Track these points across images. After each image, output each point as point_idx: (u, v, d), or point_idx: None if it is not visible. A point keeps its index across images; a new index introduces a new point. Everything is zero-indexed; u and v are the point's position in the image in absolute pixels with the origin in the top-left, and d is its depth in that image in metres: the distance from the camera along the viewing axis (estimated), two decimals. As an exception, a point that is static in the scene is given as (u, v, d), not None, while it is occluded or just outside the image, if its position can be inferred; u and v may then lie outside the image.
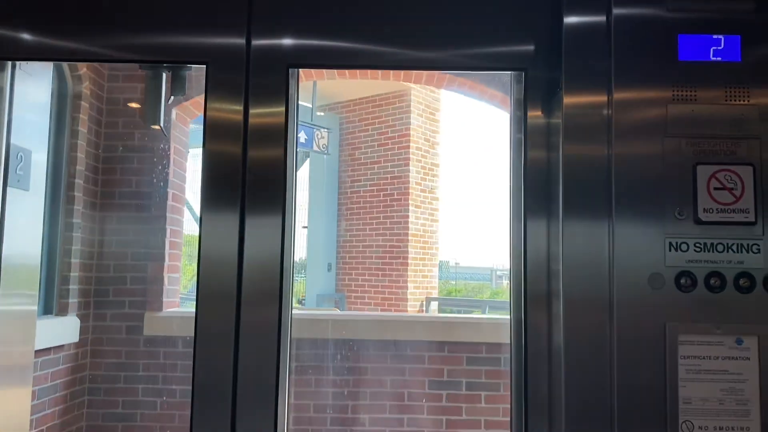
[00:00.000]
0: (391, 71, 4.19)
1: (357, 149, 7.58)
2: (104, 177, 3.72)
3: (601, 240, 1.18)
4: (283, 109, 1.31)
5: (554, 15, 1.29)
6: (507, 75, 1.44)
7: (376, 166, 7.40)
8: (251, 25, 1.34)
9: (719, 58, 1.19)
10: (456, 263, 10.30)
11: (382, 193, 7.32)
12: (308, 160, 7.58)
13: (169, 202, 3.77)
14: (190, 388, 1.27)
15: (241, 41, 1.34)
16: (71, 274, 3.41)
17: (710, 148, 1.18)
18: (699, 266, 1.16)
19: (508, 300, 1.38)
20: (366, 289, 7.35)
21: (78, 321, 3.47)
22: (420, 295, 7.21)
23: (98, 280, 3.69)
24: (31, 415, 2.48)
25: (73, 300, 3.44)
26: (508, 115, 1.42)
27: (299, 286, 7.67)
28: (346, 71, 4.20)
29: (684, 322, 1.15)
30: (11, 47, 1.35)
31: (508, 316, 1.38)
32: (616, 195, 1.17)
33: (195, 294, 1.29)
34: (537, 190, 1.32)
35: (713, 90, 1.19)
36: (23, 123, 1.41)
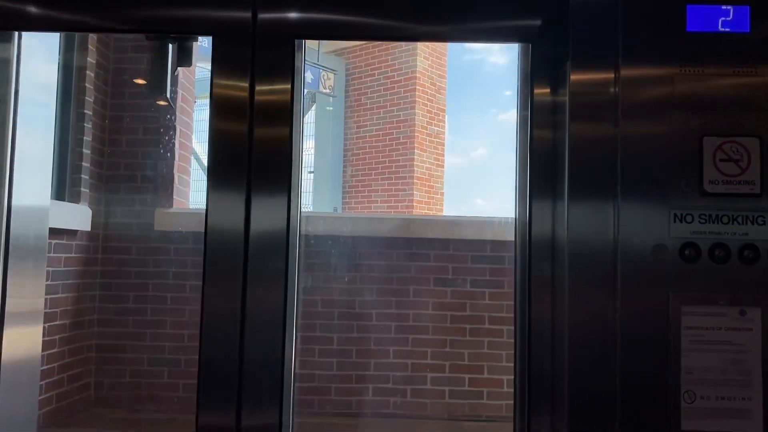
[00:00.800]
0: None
1: (363, 94, 7.48)
2: (114, 77, 3.74)
3: (606, 212, 1.19)
4: (289, 79, 1.32)
5: (561, -12, 1.28)
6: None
7: (381, 110, 7.31)
8: (257, -4, 1.34)
9: (728, 29, 1.19)
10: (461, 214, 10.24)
11: (387, 137, 7.24)
12: (314, 106, 7.53)
13: (179, 103, 3.77)
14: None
15: (248, 14, 1.33)
16: (83, 164, 3.47)
17: (717, 120, 1.18)
18: (703, 237, 1.16)
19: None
20: (371, 233, 7.33)
21: (90, 211, 3.52)
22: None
23: (108, 177, 3.74)
24: (46, 294, 2.54)
25: (84, 189, 3.50)
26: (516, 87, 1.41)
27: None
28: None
29: (688, 292, 1.15)
30: (18, 18, 1.35)
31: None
32: (622, 167, 1.18)
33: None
34: (543, 166, 1.32)
35: (721, 62, 1.18)
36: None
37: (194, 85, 4.09)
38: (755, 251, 1.16)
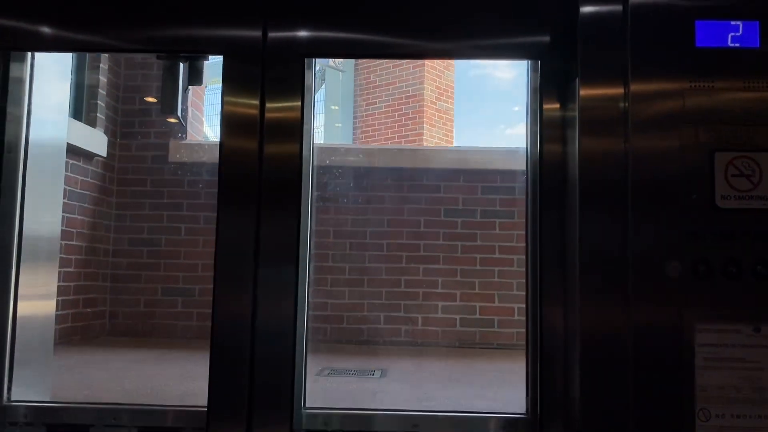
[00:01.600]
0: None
1: (372, 72, 7.51)
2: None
3: (618, 227, 1.18)
4: (299, 97, 1.33)
5: (570, 4, 1.29)
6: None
7: (390, 87, 7.32)
8: (267, 16, 1.35)
9: (737, 45, 1.19)
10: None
11: (396, 113, 7.23)
12: (324, 84, 7.54)
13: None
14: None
15: (258, 33, 1.35)
16: (99, 90, 3.51)
17: (728, 135, 1.17)
18: (716, 253, 1.15)
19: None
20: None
21: (105, 137, 3.56)
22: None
23: (124, 112, 3.79)
24: (63, 212, 2.59)
25: (101, 116, 3.54)
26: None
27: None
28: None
29: (701, 309, 1.14)
30: (31, 39, 1.37)
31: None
32: (632, 182, 1.17)
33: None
34: (553, 181, 1.32)
35: (731, 77, 1.18)
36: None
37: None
38: (769, 267, 1.15)
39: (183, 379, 2.58)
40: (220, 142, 1.33)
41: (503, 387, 2.59)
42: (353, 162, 3.77)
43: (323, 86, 7.49)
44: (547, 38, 1.34)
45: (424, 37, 1.35)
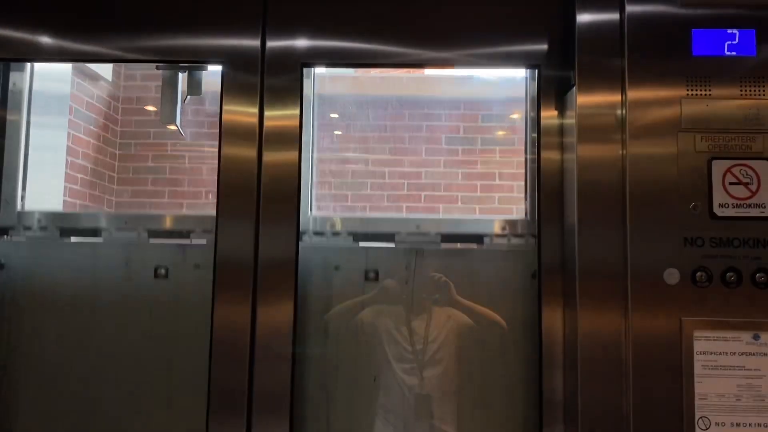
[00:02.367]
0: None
1: None
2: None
3: (616, 235, 1.18)
4: (298, 105, 1.33)
5: (567, 13, 1.29)
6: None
7: None
8: (266, 26, 1.36)
9: (734, 53, 1.19)
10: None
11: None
12: None
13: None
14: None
15: (256, 42, 1.35)
16: None
17: (725, 143, 1.17)
18: (715, 261, 1.15)
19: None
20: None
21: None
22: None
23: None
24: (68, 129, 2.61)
25: None
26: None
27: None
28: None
29: (700, 317, 1.14)
30: (31, 49, 1.38)
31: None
32: (630, 189, 1.17)
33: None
34: (551, 188, 1.32)
35: (728, 85, 1.18)
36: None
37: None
38: (768, 275, 1.15)
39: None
40: (219, 150, 1.33)
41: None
42: (355, 90, 3.77)
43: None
44: (545, 47, 1.34)
45: (423, 46, 1.35)
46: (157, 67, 1.44)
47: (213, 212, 1.33)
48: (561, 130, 1.32)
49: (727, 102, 1.18)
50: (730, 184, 1.16)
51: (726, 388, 1.13)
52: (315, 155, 1.58)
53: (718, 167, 1.17)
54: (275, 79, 1.35)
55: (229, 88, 1.34)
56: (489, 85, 3.77)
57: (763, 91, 1.18)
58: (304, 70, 1.36)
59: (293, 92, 1.34)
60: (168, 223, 1.54)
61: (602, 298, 1.18)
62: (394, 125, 3.74)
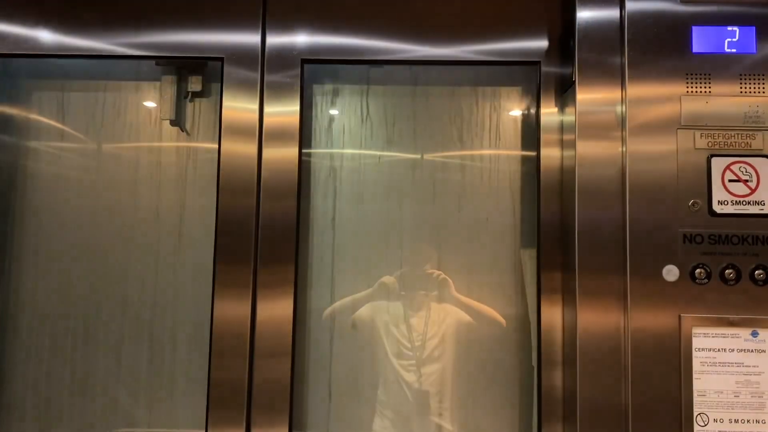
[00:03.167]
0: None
1: None
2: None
3: (615, 231, 1.18)
4: (297, 101, 1.34)
5: (567, 10, 1.29)
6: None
7: None
8: (266, 21, 1.36)
9: (734, 50, 1.19)
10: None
11: None
12: None
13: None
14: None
15: (256, 38, 1.35)
16: None
17: (725, 140, 1.18)
18: (714, 258, 1.15)
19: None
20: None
21: None
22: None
23: None
24: None
25: None
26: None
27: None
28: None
29: (699, 314, 1.15)
30: (30, 45, 1.37)
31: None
32: (630, 186, 1.17)
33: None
34: (551, 184, 1.32)
35: (728, 82, 1.18)
36: None
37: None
38: (767, 272, 1.15)
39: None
40: (218, 146, 1.33)
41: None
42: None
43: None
44: (545, 43, 1.34)
45: (423, 43, 1.35)
46: (157, 63, 1.43)
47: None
48: (561, 127, 1.32)
49: (726, 99, 1.18)
50: (730, 181, 1.17)
51: (724, 385, 1.14)
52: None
53: (718, 164, 1.17)
54: (275, 75, 1.34)
55: (229, 84, 1.34)
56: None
57: (763, 88, 1.18)
58: (304, 65, 1.36)
59: (293, 88, 1.34)
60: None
61: (601, 294, 1.18)
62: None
